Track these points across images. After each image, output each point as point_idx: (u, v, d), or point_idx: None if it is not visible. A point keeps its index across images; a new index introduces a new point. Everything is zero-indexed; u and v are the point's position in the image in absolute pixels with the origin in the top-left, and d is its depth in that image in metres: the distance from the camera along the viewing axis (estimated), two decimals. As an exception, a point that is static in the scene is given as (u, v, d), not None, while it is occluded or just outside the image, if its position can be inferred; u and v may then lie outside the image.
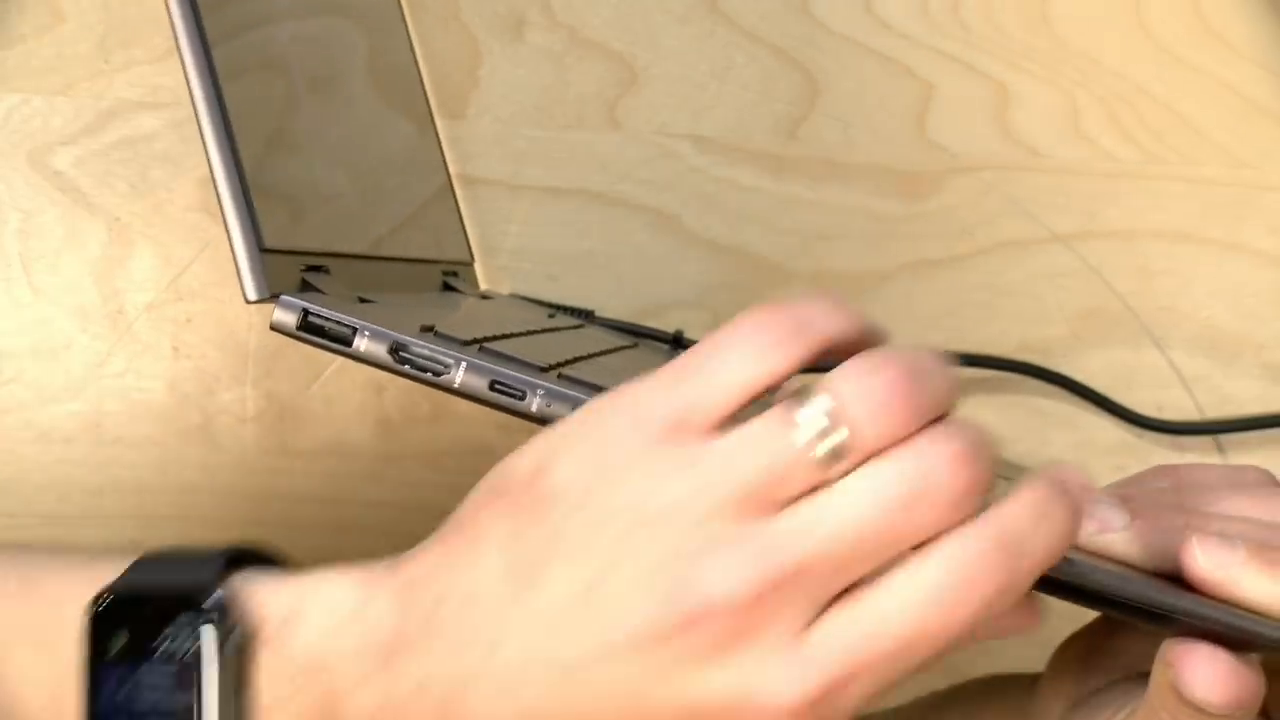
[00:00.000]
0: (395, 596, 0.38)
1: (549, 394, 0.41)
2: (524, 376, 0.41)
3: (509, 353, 0.42)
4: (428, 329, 0.42)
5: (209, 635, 0.38)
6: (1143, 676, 0.42)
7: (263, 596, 0.39)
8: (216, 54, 0.42)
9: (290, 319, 0.41)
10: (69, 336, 0.59)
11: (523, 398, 0.41)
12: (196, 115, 0.42)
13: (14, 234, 0.59)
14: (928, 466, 0.35)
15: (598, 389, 0.41)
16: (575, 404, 0.41)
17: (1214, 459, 0.60)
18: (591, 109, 0.62)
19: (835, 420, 0.35)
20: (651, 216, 0.61)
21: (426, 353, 0.41)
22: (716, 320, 0.61)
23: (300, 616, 0.38)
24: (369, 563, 0.39)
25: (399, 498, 0.60)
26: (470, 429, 0.60)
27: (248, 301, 0.41)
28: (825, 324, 0.37)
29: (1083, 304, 0.62)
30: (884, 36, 0.62)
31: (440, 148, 0.60)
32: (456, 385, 0.41)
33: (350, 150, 0.52)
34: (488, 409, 0.41)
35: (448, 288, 0.56)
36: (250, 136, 0.43)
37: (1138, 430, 0.61)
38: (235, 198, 0.41)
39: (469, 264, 0.59)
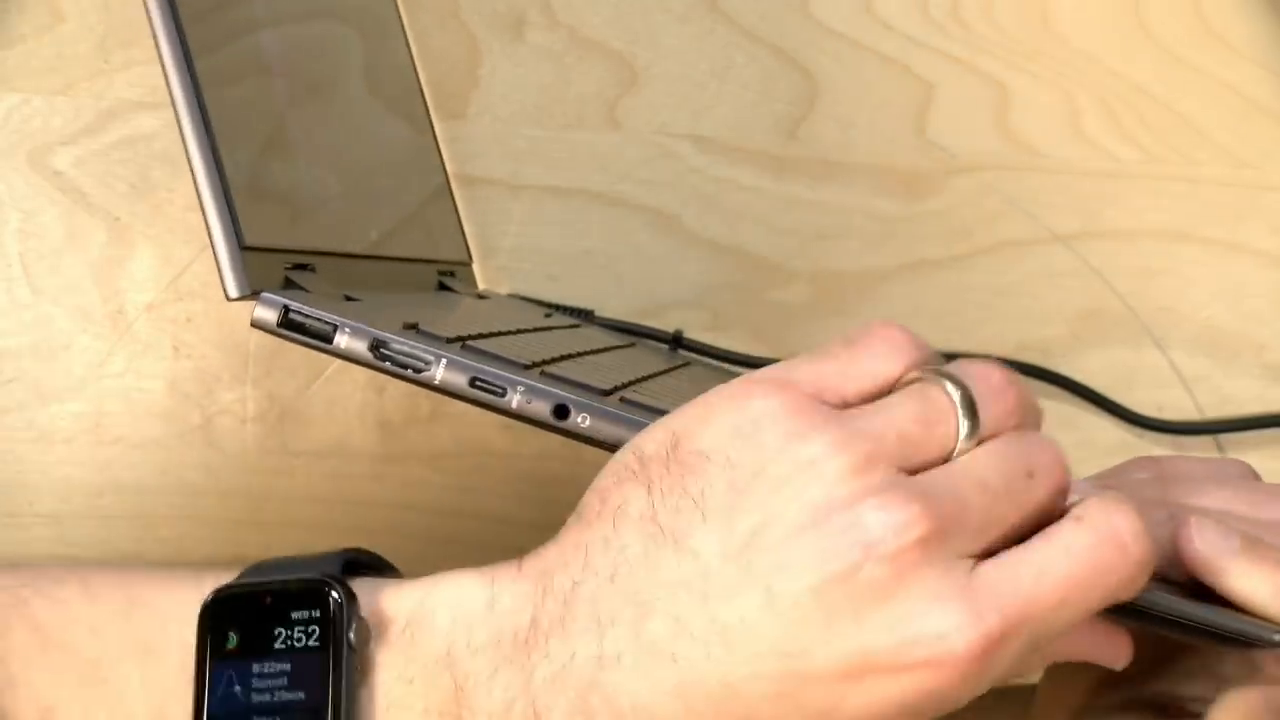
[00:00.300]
0: (528, 587, 0.37)
1: (529, 390, 0.41)
2: (504, 373, 0.41)
3: (492, 350, 0.42)
4: (410, 326, 0.42)
5: (329, 629, 0.37)
6: (1150, 695, 0.42)
7: (385, 599, 0.38)
8: (206, 59, 0.42)
9: (271, 316, 0.41)
10: (69, 336, 0.59)
11: (503, 394, 0.41)
12: (176, 114, 0.42)
13: (14, 234, 0.59)
14: (1036, 443, 0.38)
15: (582, 386, 0.41)
16: (554, 401, 0.40)
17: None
18: (591, 109, 0.62)
19: (967, 400, 0.38)
20: (651, 216, 0.61)
21: (406, 349, 0.41)
22: (716, 320, 0.61)
23: (427, 616, 0.38)
24: (493, 564, 0.38)
25: (399, 498, 0.60)
26: (470, 429, 0.60)
27: (228, 298, 0.41)
28: (928, 347, 0.40)
29: (1083, 304, 0.62)
30: (884, 36, 0.62)
31: (438, 149, 0.60)
32: (436, 382, 0.41)
33: (344, 151, 0.52)
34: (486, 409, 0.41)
35: (443, 287, 0.55)
36: (236, 138, 0.43)
37: (1138, 430, 0.61)
38: (215, 196, 0.41)
39: (467, 264, 0.59)
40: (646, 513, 0.36)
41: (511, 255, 0.61)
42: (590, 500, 0.38)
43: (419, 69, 0.60)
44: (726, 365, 0.59)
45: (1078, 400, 0.61)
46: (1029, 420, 0.39)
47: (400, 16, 0.60)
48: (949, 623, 0.35)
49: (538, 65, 0.62)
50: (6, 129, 0.59)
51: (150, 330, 0.59)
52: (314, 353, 0.57)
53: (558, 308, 0.59)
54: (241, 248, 0.41)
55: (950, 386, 0.37)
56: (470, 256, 0.59)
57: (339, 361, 0.60)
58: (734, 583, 0.35)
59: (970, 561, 0.36)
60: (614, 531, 0.37)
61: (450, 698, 0.37)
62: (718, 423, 0.37)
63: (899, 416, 0.37)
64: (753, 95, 0.62)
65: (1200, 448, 0.61)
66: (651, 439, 0.38)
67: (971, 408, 0.37)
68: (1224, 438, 0.60)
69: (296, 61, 0.50)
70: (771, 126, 0.62)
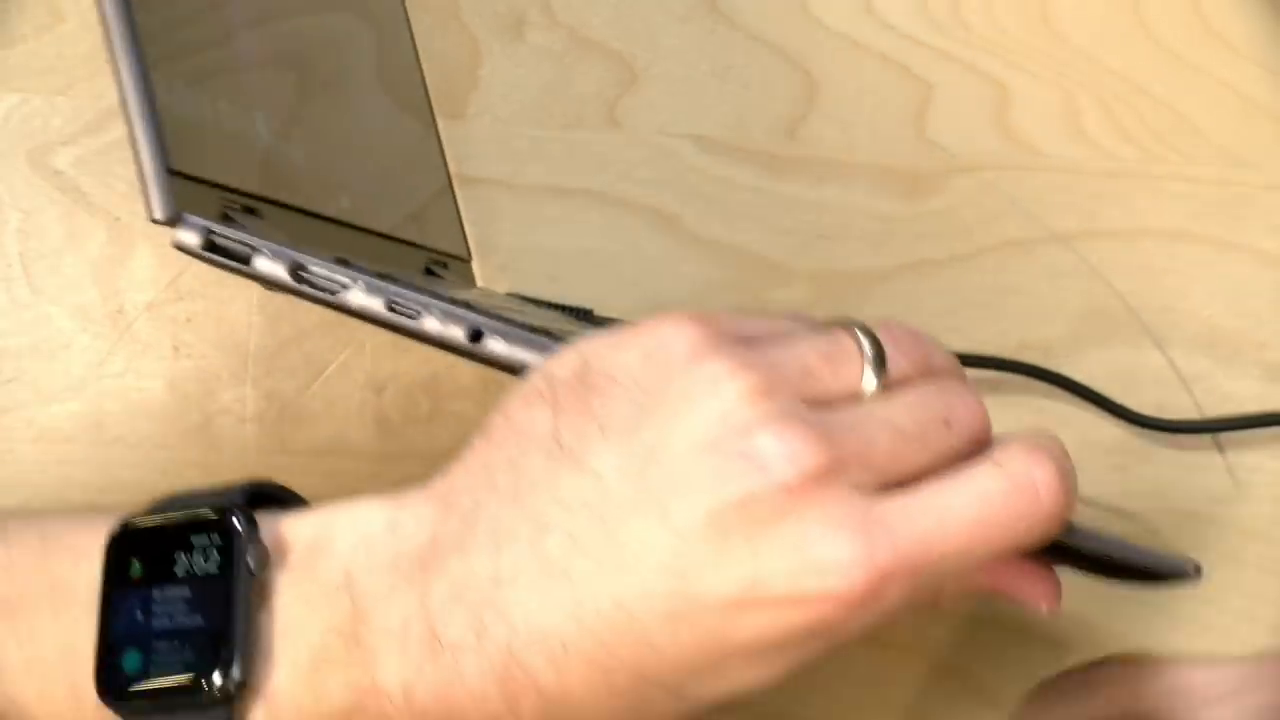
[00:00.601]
0: (429, 508, 0.37)
1: (445, 314, 0.40)
2: (421, 298, 0.40)
3: (418, 284, 0.41)
4: (342, 261, 0.41)
5: (228, 554, 0.37)
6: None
7: (285, 525, 0.38)
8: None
9: (193, 238, 0.40)
10: (69, 336, 0.59)
11: (418, 317, 0.40)
12: (107, 39, 0.41)
13: (14, 234, 0.59)
14: (955, 393, 0.38)
15: (508, 321, 0.40)
16: (470, 326, 0.40)
17: (1214, 458, 0.60)
18: (591, 109, 0.62)
19: (874, 343, 0.38)
20: (651, 216, 0.61)
21: (325, 272, 0.41)
22: (716, 320, 0.61)
23: (328, 541, 0.38)
24: (402, 490, 0.38)
25: (399, 498, 0.60)
26: (470, 429, 0.59)
27: (152, 220, 0.40)
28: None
29: (1083, 304, 0.62)
30: (884, 36, 0.62)
31: (440, 147, 0.60)
32: (353, 305, 0.40)
33: (334, 131, 0.52)
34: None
35: (431, 275, 0.55)
36: (171, 65, 0.42)
37: (1138, 430, 0.61)
38: (142, 116, 0.40)
39: (464, 260, 0.59)
40: (551, 433, 0.36)
41: (511, 255, 0.61)
42: (496, 420, 0.38)
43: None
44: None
45: (1078, 400, 0.61)
46: (945, 374, 0.39)
47: (406, 14, 0.60)
48: (841, 554, 0.34)
49: (538, 65, 0.62)
50: (6, 129, 0.59)
51: (150, 330, 0.59)
52: (314, 352, 0.57)
53: (556, 307, 0.59)
54: (168, 171, 0.41)
55: (858, 332, 0.38)
56: (469, 253, 0.59)
57: (339, 361, 0.60)
58: (631, 502, 0.35)
59: (871, 495, 0.35)
60: (519, 451, 0.37)
61: (349, 618, 0.37)
62: (628, 347, 0.37)
63: (803, 349, 0.37)
64: (753, 95, 0.62)
65: (1200, 446, 0.61)
66: (561, 363, 0.38)
67: (879, 353, 0.37)
68: (1223, 437, 0.60)
69: (267, 13, 0.50)
70: (771, 126, 0.62)
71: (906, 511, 0.35)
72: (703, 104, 0.62)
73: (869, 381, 0.37)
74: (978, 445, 0.37)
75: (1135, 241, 0.62)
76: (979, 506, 0.36)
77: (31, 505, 0.58)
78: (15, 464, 0.59)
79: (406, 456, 0.59)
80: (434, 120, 0.60)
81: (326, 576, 0.37)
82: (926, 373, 0.38)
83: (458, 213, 0.60)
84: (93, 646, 0.38)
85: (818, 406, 0.36)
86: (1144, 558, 0.40)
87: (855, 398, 0.37)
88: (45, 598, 0.39)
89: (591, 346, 0.37)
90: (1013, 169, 0.62)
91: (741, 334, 0.37)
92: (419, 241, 0.56)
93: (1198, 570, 0.41)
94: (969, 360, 0.60)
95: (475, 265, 0.60)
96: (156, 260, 0.59)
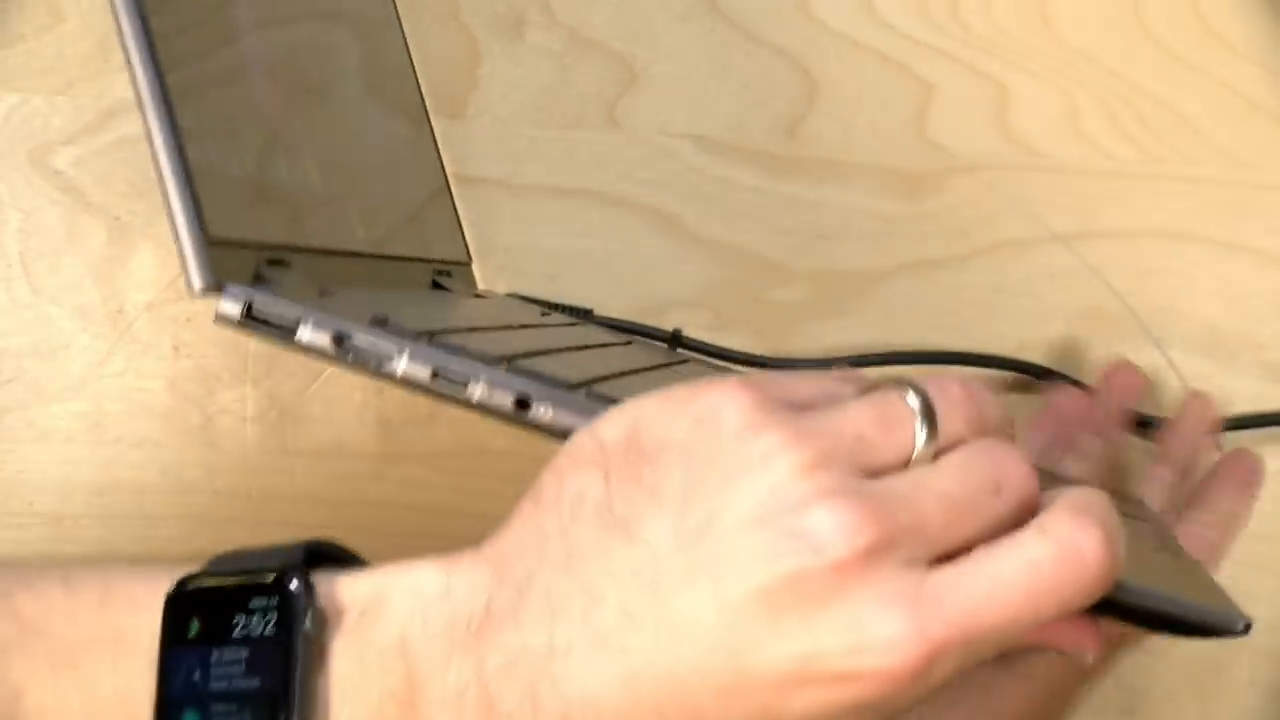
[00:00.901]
0: (483, 574, 0.37)
1: (491, 382, 0.40)
2: (467, 366, 0.40)
3: (461, 344, 0.41)
4: (379, 321, 0.41)
5: (286, 617, 0.37)
6: None
7: (342, 586, 0.38)
8: (172, 48, 0.41)
9: (235, 310, 0.40)
10: (69, 336, 0.59)
11: (465, 386, 0.40)
12: (140, 105, 0.41)
13: (14, 234, 0.59)
14: (1004, 454, 0.37)
15: (548, 379, 0.40)
16: (516, 393, 0.40)
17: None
18: (591, 108, 0.62)
19: (925, 405, 0.38)
20: (651, 216, 0.61)
21: (370, 342, 0.41)
22: (716, 319, 0.61)
23: (383, 604, 0.38)
24: (450, 553, 0.38)
25: (399, 498, 0.60)
26: (470, 429, 0.60)
27: (192, 293, 0.40)
28: None
29: (1083, 304, 0.62)
30: (884, 36, 0.62)
31: (436, 149, 0.60)
32: (399, 374, 0.40)
33: (327, 148, 0.51)
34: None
35: (438, 286, 0.55)
36: (205, 129, 0.42)
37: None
38: (180, 189, 0.40)
39: (465, 264, 0.59)
40: (602, 501, 0.36)
41: (511, 255, 0.61)
42: (547, 483, 0.38)
43: (418, 70, 0.60)
44: (725, 364, 0.59)
45: (1078, 400, 0.61)
46: (995, 432, 0.39)
47: (398, 17, 0.60)
48: (893, 631, 0.34)
49: (538, 65, 0.62)
50: (6, 129, 0.59)
51: (150, 330, 0.59)
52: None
53: (556, 307, 0.59)
54: (207, 241, 0.40)
55: (909, 393, 0.38)
56: (469, 257, 0.59)
57: (338, 361, 0.60)
58: (683, 575, 0.35)
59: (922, 569, 0.35)
60: (569, 519, 0.37)
61: (404, 684, 0.37)
62: (678, 412, 0.37)
63: (856, 417, 0.37)
64: (753, 95, 0.62)
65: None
66: (611, 424, 0.37)
67: (930, 413, 0.37)
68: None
69: (275, 57, 0.50)
70: (771, 126, 0.62)
71: (957, 585, 0.35)
72: (703, 104, 0.62)
73: (920, 444, 0.37)
74: (1025, 509, 0.37)
75: (1135, 241, 0.62)
76: (1028, 576, 0.36)
77: (33, 506, 0.59)
78: (15, 464, 0.59)
79: (406, 457, 0.59)
80: (428, 121, 0.60)
81: (382, 640, 0.37)
82: (979, 431, 0.38)
83: (456, 215, 0.60)
84: (150, 695, 0.38)
85: (870, 475, 0.36)
86: (1190, 611, 0.40)
87: (906, 462, 0.37)
88: (106, 648, 0.39)
89: (641, 410, 0.37)
90: (1013, 169, 0.62)
91: (792, 399, 0.37)
92: (421, 253, 0.56)
93: (1247, 627, 0.40)
94: (969, 360, 0.60)
95: (475, 268, 0.60)
96: (156, 260, 0.59)
